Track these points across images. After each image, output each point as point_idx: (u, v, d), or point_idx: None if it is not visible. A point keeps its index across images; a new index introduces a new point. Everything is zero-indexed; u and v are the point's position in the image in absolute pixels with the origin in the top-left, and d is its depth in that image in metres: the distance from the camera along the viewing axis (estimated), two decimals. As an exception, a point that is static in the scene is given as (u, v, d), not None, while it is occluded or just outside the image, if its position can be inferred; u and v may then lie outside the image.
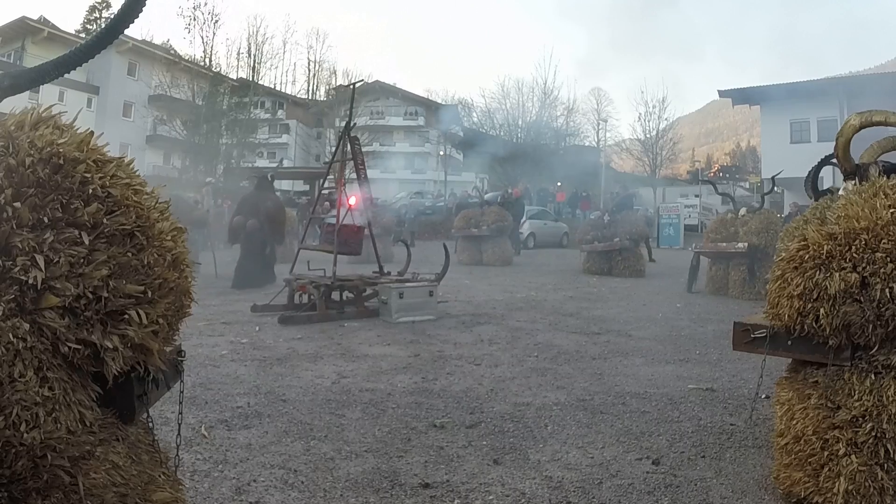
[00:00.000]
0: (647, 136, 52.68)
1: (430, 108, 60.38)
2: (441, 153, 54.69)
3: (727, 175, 53.12)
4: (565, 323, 9.53)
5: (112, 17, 2.30)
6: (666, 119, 53.84)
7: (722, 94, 37.58)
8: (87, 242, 2.02)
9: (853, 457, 3.09)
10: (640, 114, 53.88)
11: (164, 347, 2.32)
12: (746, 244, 12.68)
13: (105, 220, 2.08)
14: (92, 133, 2.25)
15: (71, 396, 1.93)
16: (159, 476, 2.36)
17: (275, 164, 45.96)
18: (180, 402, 2.90)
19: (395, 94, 59.95)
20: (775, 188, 18.72)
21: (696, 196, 40.47)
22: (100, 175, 2.12)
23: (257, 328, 8.70)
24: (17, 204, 1.95)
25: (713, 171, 64.96)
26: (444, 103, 60.32)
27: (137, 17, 2.29)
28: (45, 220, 1.98)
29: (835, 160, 4.24)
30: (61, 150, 2.06)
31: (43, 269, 1.91)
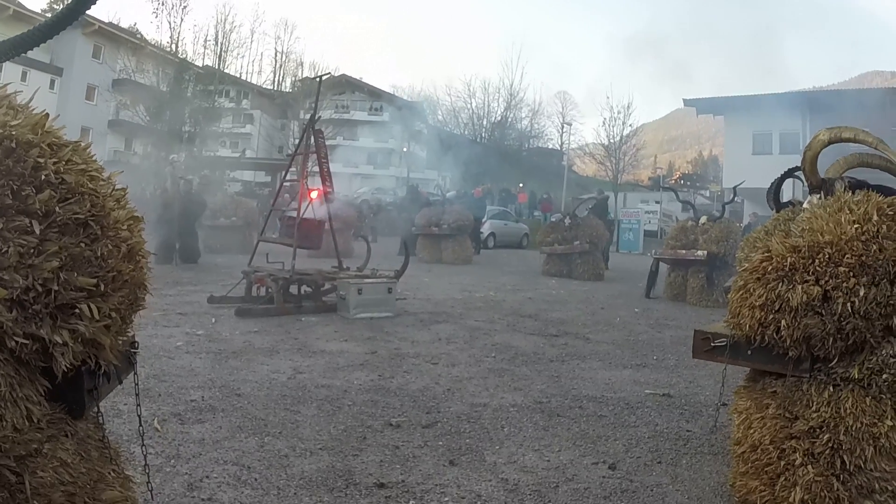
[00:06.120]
0: (611, 140, 52.90)
1: (395, 103, 60.12)
2: (404, 149, 54.48)
3: (688, 183, 53.75)
4: (524, 324, 9.54)
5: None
6: (630, 125, 54.14)
7: (687, 102, 37.95)
8: (38, 232, 1.93)
9: (810, 467, 3.11)
10: (605, 118, 54.14)
11: (116, 341, 2.24)
12: (706, 252, 12.83)
13: (58, 209, 1.99)
14: (47, 115, 2.15)
15: (18, 392, 1.85)
16: (109, 473, 2.29)
17: (237, 154, 45.41)
18: (137, 395, 2.82)
19: (361, 89, 59.48)
20: (736, 198, 18.96)
21: (657, 202, 40.94)
22: (54, 160, 2.03)
23: (213, 320, 8.57)
24: (-35, 189, 1.86)
25: (675, 178, 65.73)
26: (409, 100, 60.21)
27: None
28: (-6, 206, 1.90)
29: (798, 173, 4.27)
30: (14, 133, 1.97)
31: (-10, 258, 1.83)
